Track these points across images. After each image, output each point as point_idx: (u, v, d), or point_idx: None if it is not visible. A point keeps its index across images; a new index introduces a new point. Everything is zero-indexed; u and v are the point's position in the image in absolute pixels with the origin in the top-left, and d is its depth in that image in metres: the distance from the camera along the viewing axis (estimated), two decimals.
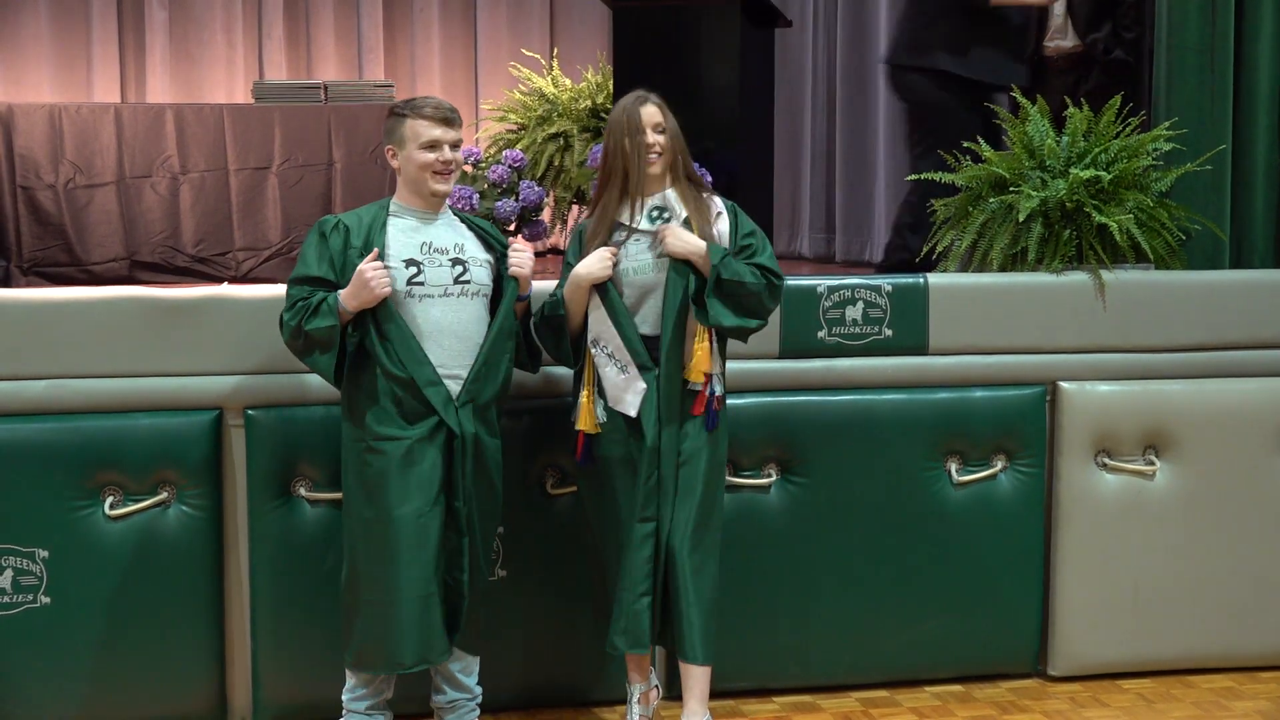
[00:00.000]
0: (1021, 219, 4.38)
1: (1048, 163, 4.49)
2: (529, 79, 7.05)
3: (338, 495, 3.81)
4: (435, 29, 9.13)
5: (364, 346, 3.53)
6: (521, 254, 3.68)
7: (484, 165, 5.74)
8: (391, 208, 3.65)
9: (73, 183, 6.50)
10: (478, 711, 3.77)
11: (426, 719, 3.82)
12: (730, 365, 3.85)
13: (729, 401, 3.83)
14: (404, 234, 3.60)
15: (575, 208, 6.64)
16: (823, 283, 4.30)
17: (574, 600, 4.09)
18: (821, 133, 8.05)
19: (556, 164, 6.60)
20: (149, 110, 6.85)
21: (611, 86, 6.23)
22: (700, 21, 5.44)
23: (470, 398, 3.56)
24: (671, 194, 3.74)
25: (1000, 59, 5.47)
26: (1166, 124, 4.63)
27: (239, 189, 6.64)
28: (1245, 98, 4.79)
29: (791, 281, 4.13)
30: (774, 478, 4.22)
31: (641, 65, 5.39)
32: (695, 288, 3.65)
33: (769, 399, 4.21)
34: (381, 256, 3.53)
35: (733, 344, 3.82)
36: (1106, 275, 4.43)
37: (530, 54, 7.67)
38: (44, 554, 3.82)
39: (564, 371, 3.95)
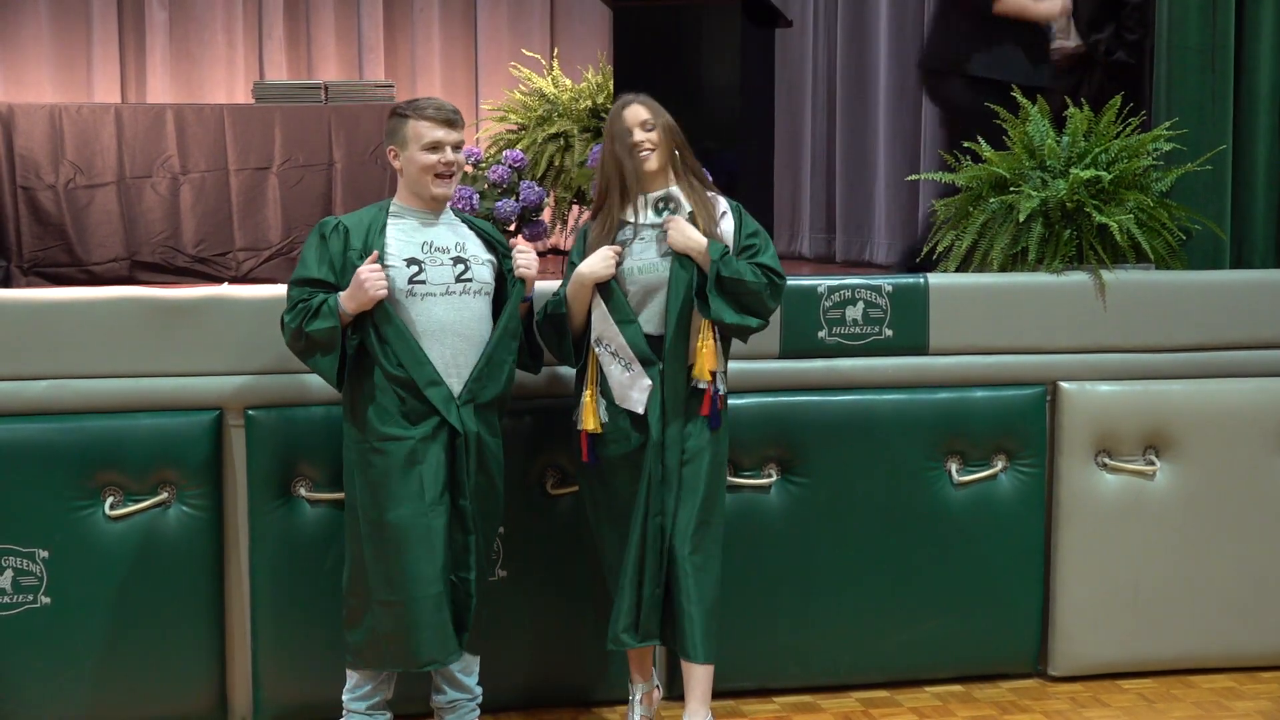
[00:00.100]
0: (1022, 219, 4.38)
1: (1048, 163, 4.49)
2: (529, 79, 7.05)
3: (338, 495, 3.82)
4: (436, 29, 9.13)
5: (365, 348, 3.53)
6: (527, 255, 3.68)
7: (484, 165, 5.74)
8: (392, 208, 3.65)
9: (73, 183, 6.50)
10: (478, 711, 3.77)
11: (426, 719, 3.82)
12: (731, 365, 3.85)
13: (729, 401, 3.83)
14: (405, 234, 3.60)
15: (575, 208, 6.65)
16: (823, 283, 4.30)
17: (574, 600, 4.09)
18: (821, 133, 8.05)
19: (557, 164, 6.60)
20: (149, 110, 6.85)
21: (612, 86, 6.23)
22: (701, 21, 5.43)
23: (471, 397, 3.57)
24: (675, 190, 3.74)
25: (1032, 61, 5.46)
26: (1167, 124, 4.63)
27: (239, 189, 6.64)
28: (1245, 98, 4.79)
29: (792, 281, 4.12)
30: (774, 478, 4.22)
31: (642, 65, 5.39)
32: (697, 283, 3.65)
33: (769, 399, 4.21)
34: (381, 257, 3.54)
35: (734, 344, 3.82)
36: (1107, 275, 4.43)
37: (530, 54, 7.67)
38: (44, 554, 3.82)
39: (565, 371, 3.95)
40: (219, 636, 3.97)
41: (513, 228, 5.73)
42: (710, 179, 3.87)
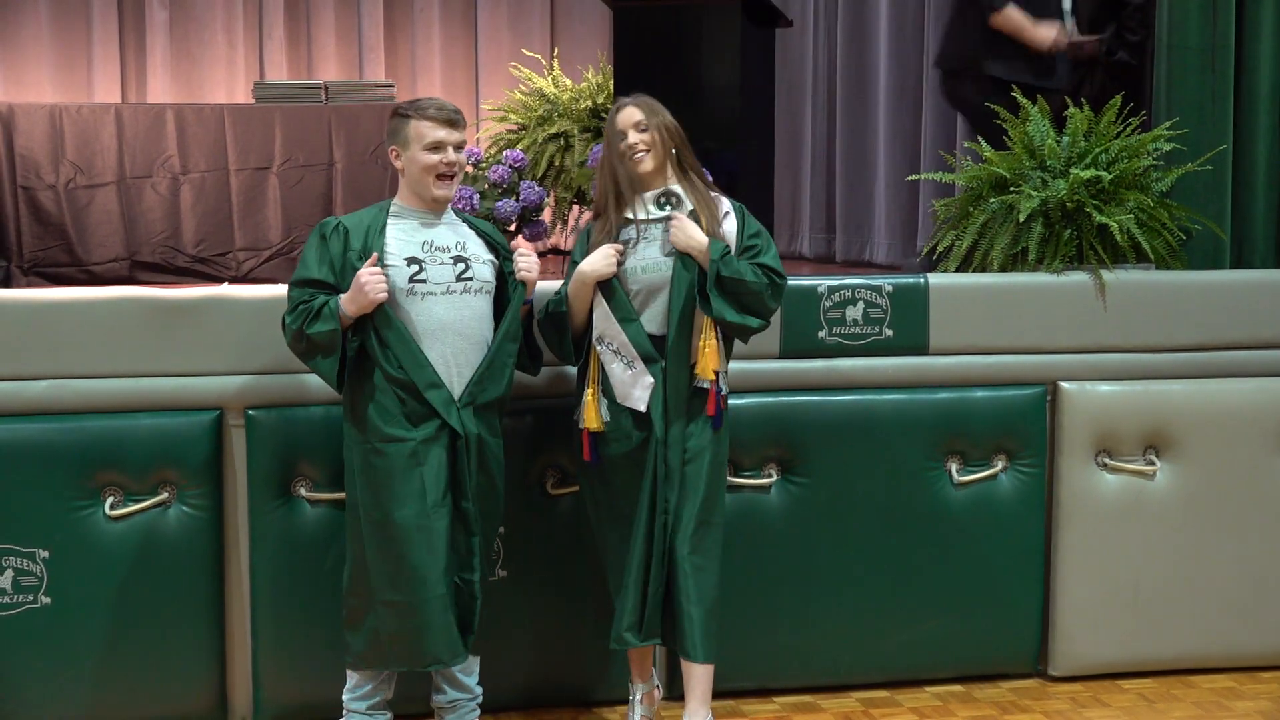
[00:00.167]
0: (1022, 219, 4.38)
1: (1048, 163, 4.49)
2: (529, 79, 7.05)
3: (338, 495, 3.82)
4: (436, 29, 9.13)
5: (365, 350, 3.53)
6: (528, 258, 3.68)
7: (484, 165, 5.74)
8: (392, 209, 3.65)
9: (73, 183, 6.50)
10: (478, 711, 3.77)
11: (427, 719, 3.82)
12: (731, 365, 3.85)
13: (729, 401, 3.83)
14: (405, 234, 3.60)
15: (575, 208, 6.65)
16: (823, 283, 4.30)
17: (574, 600, 4.09)
18: (821, 133, 8.05)
19: (557, 164, 6.60)
20: (149, 110, 6.85)
21: (612, 86, 6.23)
22: (701, 21, 5.43)
23: (471, 399, 3.57)
24: (676, 186, 3.74)
25: (1049, 62, 5.46)
26: (1167, 124, 4.63)
27: (239, 189, 6.64)
28: (1246, 97, 4.79)
29: (792, 281, 4.13)
30: (774, 478, 4.22)
31: (642, 65, 5.39)
32: (699, 282, 3.65)
33: (770, 399, 4.21)
34: (381, 258, 3.54)
35: (734, 344, 3.82)
36: (1107, 275, 4.43)
37: (531, 54, 7.67)
38: (44, 554, 3.82)
39: (566, 371, 3.95)
40: (219, 636, 3.97)
41: (513, 228, 5.73)
42: (710, 179, 3.87)
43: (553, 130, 6.66)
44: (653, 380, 3.66)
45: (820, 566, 4.24)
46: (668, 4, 5.49)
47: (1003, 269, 4.49)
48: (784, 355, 4.28)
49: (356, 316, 3.49)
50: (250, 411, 3.93)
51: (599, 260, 3.68)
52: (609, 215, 3.75)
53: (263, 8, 8.84)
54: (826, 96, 7.97)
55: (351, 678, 3.67)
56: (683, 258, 3.66)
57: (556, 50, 8.13)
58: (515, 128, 6.89)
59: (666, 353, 3.68)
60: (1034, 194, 4.41)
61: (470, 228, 3.73)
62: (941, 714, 4.18)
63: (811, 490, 4.22)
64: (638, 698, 3.91)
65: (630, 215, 3.74)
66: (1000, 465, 4.34)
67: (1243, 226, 4.83)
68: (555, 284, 3.88)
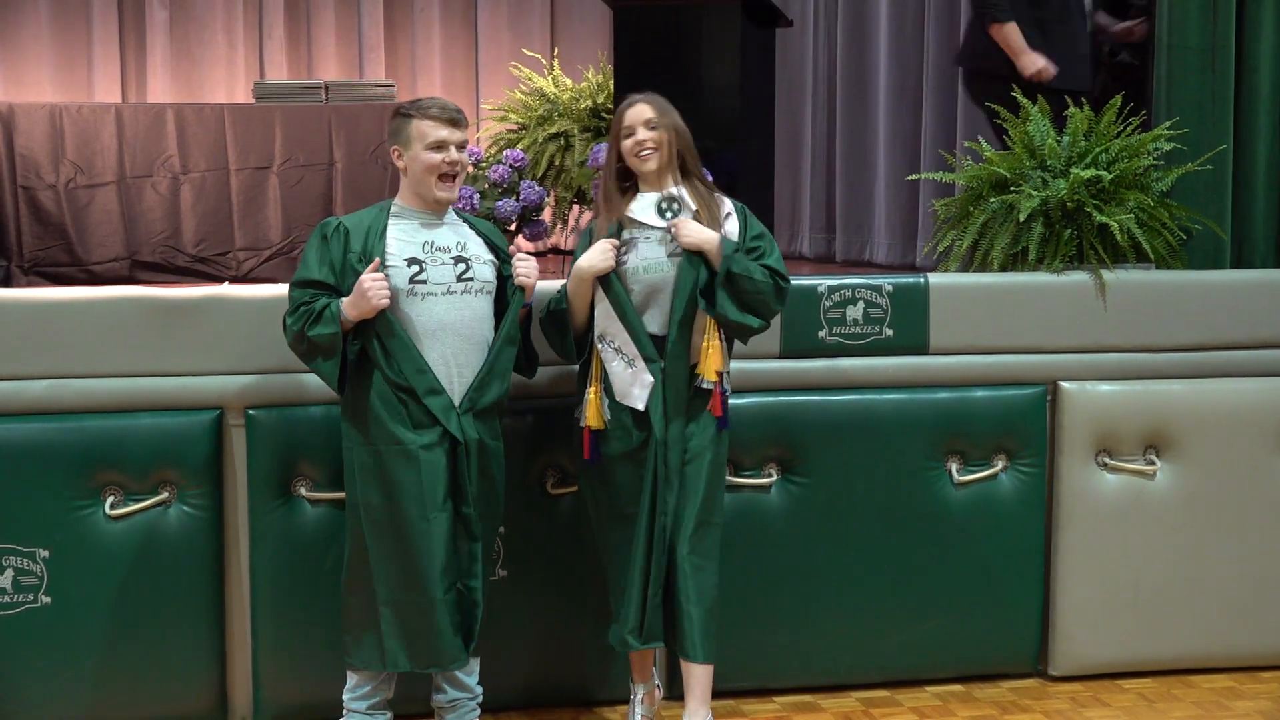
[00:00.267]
0: (1022, 219, 4.38)
1: (1048, 162, 4.49)
2: (530, 79, 7.05)
3: (338, 495, 3.82)
4: (436, 29, 9.13)
5: (366, 352, 3.53)
6: (528, 263, 3.68)
7: (485, 165, 5.74)
8: (393, 209, 3.65)
9: (73, 182, 6.51)
10: (478, 711, 3.77)
11: (427, 719, 3.82)
12: (731, 365, 3.85)
13: (730, 401, 3.83)
14: (406, 234, 3.60)
15: (575, 208, 6.64)
16: (823, 282, 4.30)
17: (575, 600, 4.09)
18: (821, 133, 8.05)
19: (557, 164, 6.60)
20: (150, 110, 6.85)
21: (612, 86, 6.23)
22: (701, 21, 5.44)
23: (471, 405, 3.56)
24: (680, 189, 3.74)
25: (1068, 63, 5.46)
26: (1167, 124, 4.63)
27: (240, 189, 6.64)
28: (1246, 97, 4.79)
29: (792, 281, 4.11)
30: (775, 478, 4.22)
31: (642, 65, 5.39)
32: (704, 280, 3.65)
33: (770, 399, 4.21)
34: (382, 259, 3.53)
35: (734, 344, 3.82)
36: (1107, 275, 4.43)
37: (531, 54, 7.66)
38: (45, 554, 3.82)
39: (566, 371, 3.95)
40: (219, 636, 3.97)
41: (513, 227, 5.73)
42: (711, 181, 3.87)
43: (553, 130, 6.65)
44: (652, 379, 3.66)
45: (820, 566, 4.24)
46: (668, 4, 5.50)
47: (1003, 269, 4.49)
48: (784, 355, 4.28)
49: (358, 320, 3.49)
50: (250, 411, 3.93)
51: (596, 256, 3.68)
52: (612, 209, 3.74)
53: (263, 8, 8.85)
54: (826, 96, 7.98)
55: (351, 678, 3.67)
56: (689, 256, 3.66)
57: (556, 50, 8.12)
58: (515, 127, 6.89)
59: (666, 352, 3.68)
60: (1034, 194, 4.41)
61: (471, 228, 3.73)
62: (941, 714, 4.18)
63: (811, 490, 4.22)
64: (638, 698, 3.91)
65: (632, 215, 3.73)
66: (1000, 465, 4.34)
67: (1243, 226, 4.83)
68: (556, 284, 3.88)
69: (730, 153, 5.24)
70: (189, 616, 3.92)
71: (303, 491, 3.94)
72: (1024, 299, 4.40)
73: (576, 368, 3.84)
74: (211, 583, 3.94)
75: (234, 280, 6.42)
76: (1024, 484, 4.33)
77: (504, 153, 5.75)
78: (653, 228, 3.71)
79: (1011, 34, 5.43)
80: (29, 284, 6.32)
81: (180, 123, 6.63)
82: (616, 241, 3.69)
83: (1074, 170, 4.40)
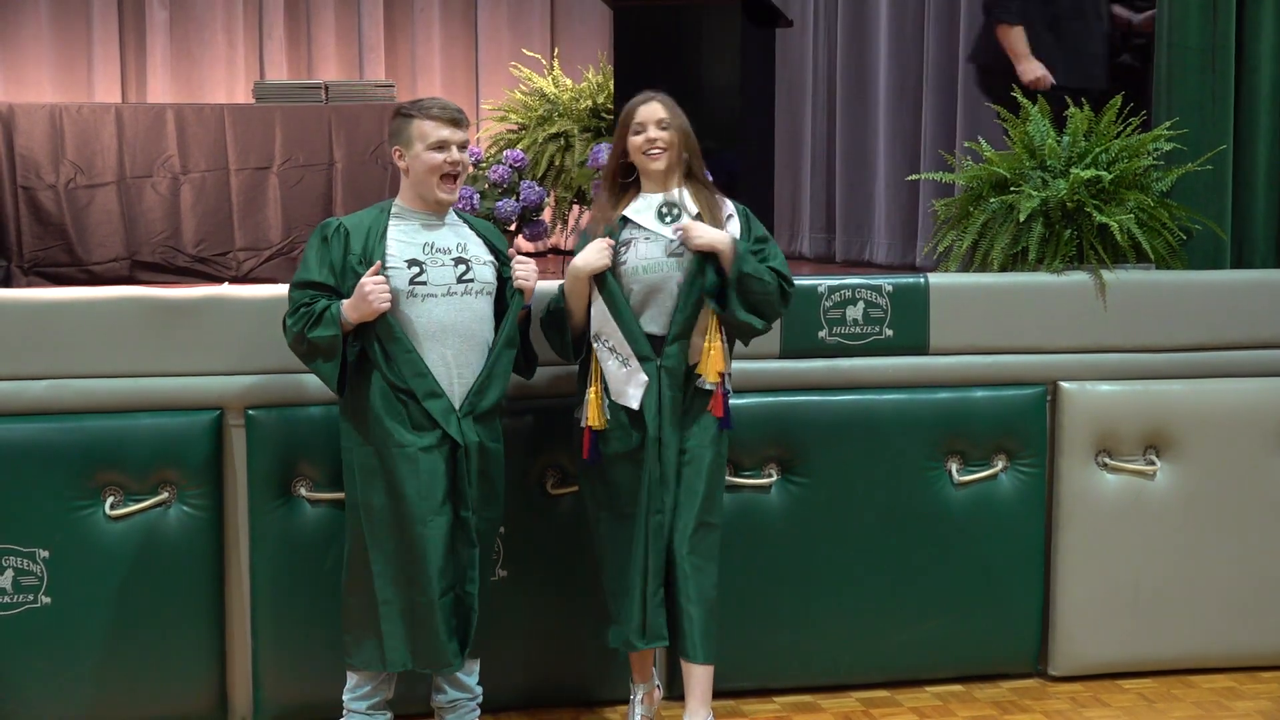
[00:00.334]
0: (1022, 219, 4.38)
1: (1048, 162, 4.49)
2: (530, 79, 7.05)
3: (338, 495, 3.81)
4: (436, 29, 9.13)
5: (366, 354, 3.53)
6: (527, 266, 3.68)
7: (485, 165, 5.74)
8: (394, 210, 3.65)
9: (73, 183, 6.51)
10: (478, 711, 3.77)
11: (426, 719, 3.82)
12: (732, 365, 3.85)
13: (730, 401, 3.83)
14: (406, 235, 3.59)
15: (575, 208, 6.64)
16: (823, 283, 4.30)
17: (575, 600, 4.09)
18: (821, 133, 8.06)
19: (557, 164, 6.60)
20: (150, 110, 6.85)
21: (612, 86, 6.23)
22: (701, 21, 5.44)
23: (471, 408, 3.56)
24: (682, 192, 3.74)
25: (1080, 61, 5.46)
26: (1167, 124, 4.63)
27: (240, 189, 6.64)
28: (1246, 97, 4.79)
29: (793, 281, 4.12)
30: (775, 478, 4.22)
31: (642, 65, 5.40)
32: (713, 281, 3.65)
33: (770, 399, 4.21)
34: (382, 261, 3.53)
35: (734, 345, 3.82)
36: (1107, 275, 4.43)
37: (531, 54, 7.67)
38: (45, 554, 3.82)
39: (565, 371, 3.95)
40: (219, 636, 3.97)
41: (513, 228, 5.73)
42: (711, 182, 3.86)
43: (553, 130, 6.66)
44: (646, 379, 3.66)
45: (820, 566, 4.24)
46: (668, 4, 5.50)
47: (1003, 269, 4.49)
48: (784, 355, 4.28)
49: (358, 323, 3.49)
50: (250, 411, 3.93)
51: (591, 254, 3.68)
52: (615, 203, 3.74)
53: (263, 8, 8.85)
54: (826, 96, 7.98)
55: (351, 678, 3.67)
56: (698, 257, 3.65)
57: (556, 50, 8.13)
58: (515, 128, 6.89)
59: (665, 351, 3.67)
60: (1034, 194, 4.41)
61: (471, 229, 3.73)
62: (941, 714, 4.18)
63: (811, 490, 4.22)
64: (638, 698, 3.91)
65: (633, 217, 3.73)
66: (1000, 465, 4.34)
67: (1243, 226, 4.83)
68: (556, 284, 3.87)
69: (730, 153, 5.24)
70: (189, 616, 3.92)
71: (303, 491, 3.94)
72: (1024, 299, 4.40)
73: (576, 368, 3.84)
74: (211, 583, 3.94)
75: (234, 280, 6.42)
76: (1024, 484, 4.33)
77: (504, 153, 5.75)
78: (650, 230, 3.71)
79: (1017, 38, 5.44)
80: (29, 284, 6.32)
81: (180, 123, 6.63)
82: (612, 241, 3.69)
83: (1074, 170, 4.39)
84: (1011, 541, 4.33)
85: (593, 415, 3.70)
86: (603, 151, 5.62)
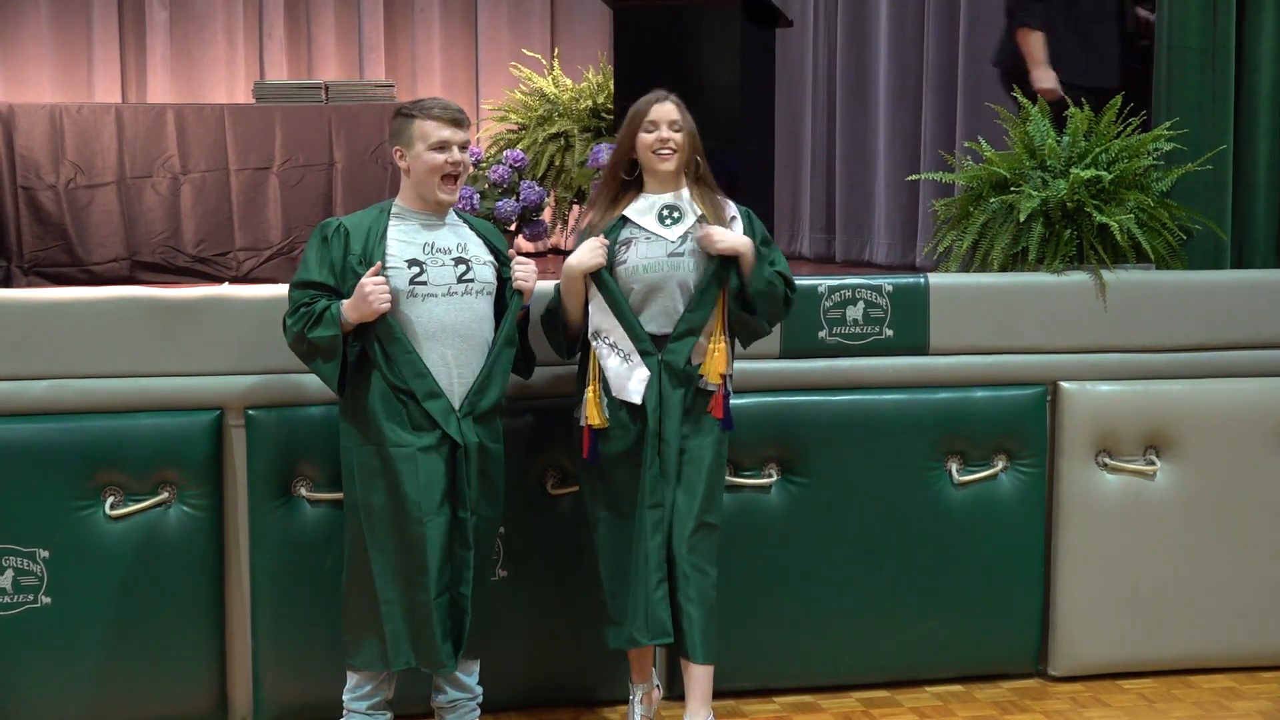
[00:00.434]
0: (1022, 219, 4.38)
1: (1048, 163, 4.49)
2: (530, 79, 7.06)
3: (338, 495, 3.81)
4: (436, 29, 9.13)
5: (366, 354, 3.53)
6: (526, 267, 3.68)
7: (485, 165, 5.75)
8: (394, 210, 3.65)
9: (73, 183, 6.51)
10: (478, 711, 3.77)
11: (427, 719, 3.82)
12: (733, 365, 3.85)
13: (730, 401, 3.83)
14: (407, 235, 3.59)
15: (575, 208, 6.65)
16: (823, 283, 4.30)
17: (574, 600, 4.09)
18: (821, 133, 8.05)
19: (557, 164, 6.61)
20: (150, 110, 6.85)
21: (612, 86, 6.24)
22: (701, 21, 5.44)
23: (471, 408, 3.56)
24: (685, 194, 3.74)
25: (1098, 60, 5.46)
26: (1167, 124, 4.63)
27: (240, 189, 6.64)
28: (1246, 97, 4.79)
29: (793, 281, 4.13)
30: (775, 478, 4.22)
31: (642, 65, 5.40)
32: (735, 284, 3.67)
33: (770, 399, 4.21)
34: (383, 262, 3.53)
35: (734, 346, 3.83)
36: (1107, 275, 4.43)
37: (531, 54, 7.67)
38: (45, 554, 3.82)
39: (565, 371, 3.95)
40: (219, 636, 3.97)
41: (513, 228, 5.74)
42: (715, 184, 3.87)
43: (553, 130, 6.67)
44: (648, 373, 3.66)
45: (820, 566, 4.24)
46: (668, 4, 5.50)
47: (1003, 269, 4.49)
48: (784, 355, 4.28)
49: (358, 323, 3.49)
50: (250, 411, 3.93)
51: (584, 254, 3.68)
52: (617, 202, 3.74)
53: (263, 8, 8.84)
54: (826, 96, 7.98)
55: (351, 678, 3.67)
56: (720, 260, 3.66)
57: (556, 50, 8.13)
58: (515, 128, 6.90)
59: (668, 348, 3.67)
60: (1034, 194, 4.41)
61: (471, 229, 3.73)
62: (941, 714, 4.18)
63: (811, 490, 4.22)
64: (637, 698, 3.91)
65: (633, 218, 3.73)
66: (1000, 465, 4.34)
67: (1243, 226, 4.83)
68: (555, 283, 3.87)
69: (730, 153, 5.25)
70: (189, 616, 3.92)
71: (303, 492, 3.94)
72: (1024, 299, 4.40)
73: (575, 367, 3.84)
74: (211, 583, 3.94)
75: (234, 280, 6.42)
76: (1024, 484, 4.33)
77: (504, 153, 5.77)
78: (651, 231, 3.71)
79: (1036, 43, 5.45)
80: (29, 284, 6.32)
81: (180, 123, 6.63)
82: (605, 240, 3.69)
83: (1074, 170, 4.39)
84: (1011, 541, 4.34)
85: (592, 414, 3.70)
86: (603, 151, 5.63)
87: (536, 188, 5.61)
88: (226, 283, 6.00)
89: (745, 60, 5.45)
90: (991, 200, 4.53)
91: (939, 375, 4.35)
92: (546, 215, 6.17)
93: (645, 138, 3.70)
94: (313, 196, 6.69)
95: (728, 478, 4.00)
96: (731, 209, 3.78)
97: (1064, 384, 4.38)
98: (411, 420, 3.52)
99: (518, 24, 9.17)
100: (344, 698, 3.68)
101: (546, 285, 3.88)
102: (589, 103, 6.71)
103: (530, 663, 4.11)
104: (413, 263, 3.55)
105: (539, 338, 3.85)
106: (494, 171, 5.62)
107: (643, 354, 3.66)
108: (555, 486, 4.07)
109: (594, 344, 3.71)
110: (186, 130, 6.63)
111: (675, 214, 3.72)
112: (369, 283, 3.45)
